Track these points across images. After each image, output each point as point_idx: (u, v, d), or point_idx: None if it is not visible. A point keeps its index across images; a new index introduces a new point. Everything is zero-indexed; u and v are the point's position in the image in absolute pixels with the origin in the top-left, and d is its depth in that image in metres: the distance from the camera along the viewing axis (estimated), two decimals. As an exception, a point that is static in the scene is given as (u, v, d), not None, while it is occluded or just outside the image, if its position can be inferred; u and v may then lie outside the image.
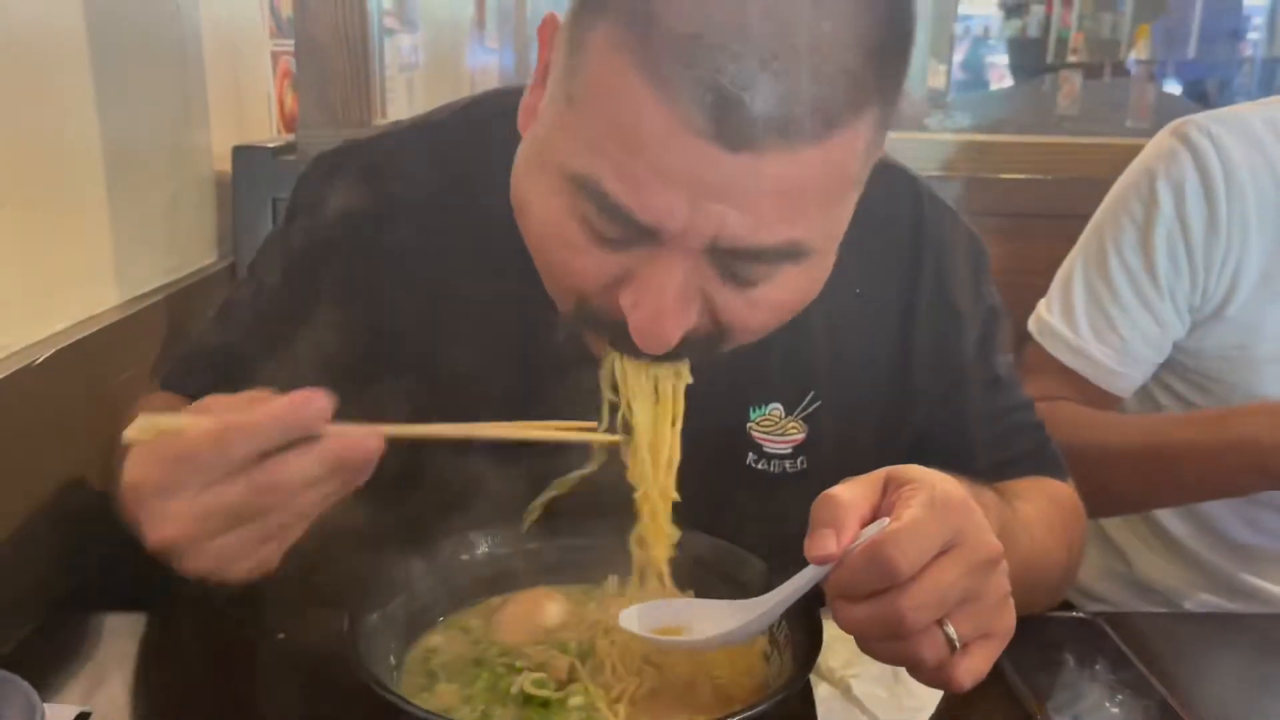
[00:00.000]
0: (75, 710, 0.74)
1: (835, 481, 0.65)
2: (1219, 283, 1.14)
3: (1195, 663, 0.86)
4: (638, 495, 0.73)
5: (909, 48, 0.65)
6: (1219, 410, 1.13)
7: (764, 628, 0.68)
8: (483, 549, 0.81)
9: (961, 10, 6.87)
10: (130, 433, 0.61)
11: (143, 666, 0.84)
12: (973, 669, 0.61)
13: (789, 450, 0.89)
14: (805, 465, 0.89)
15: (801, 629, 0.70)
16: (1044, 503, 0.91)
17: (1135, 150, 1.24)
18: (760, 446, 0.88)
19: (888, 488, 0.63)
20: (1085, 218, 1.27)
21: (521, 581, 0.81)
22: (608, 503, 0.74)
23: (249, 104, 1.53)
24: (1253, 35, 6.47)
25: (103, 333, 1.06)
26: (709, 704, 0.70)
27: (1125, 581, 1.32)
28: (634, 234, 0.64)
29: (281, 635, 0.84)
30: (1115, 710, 0.76)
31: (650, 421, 0.72)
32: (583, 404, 0.72)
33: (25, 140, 0.98)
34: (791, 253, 0.65)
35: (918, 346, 0.91)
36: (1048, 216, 1.56)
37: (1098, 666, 0.81)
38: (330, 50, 1.45)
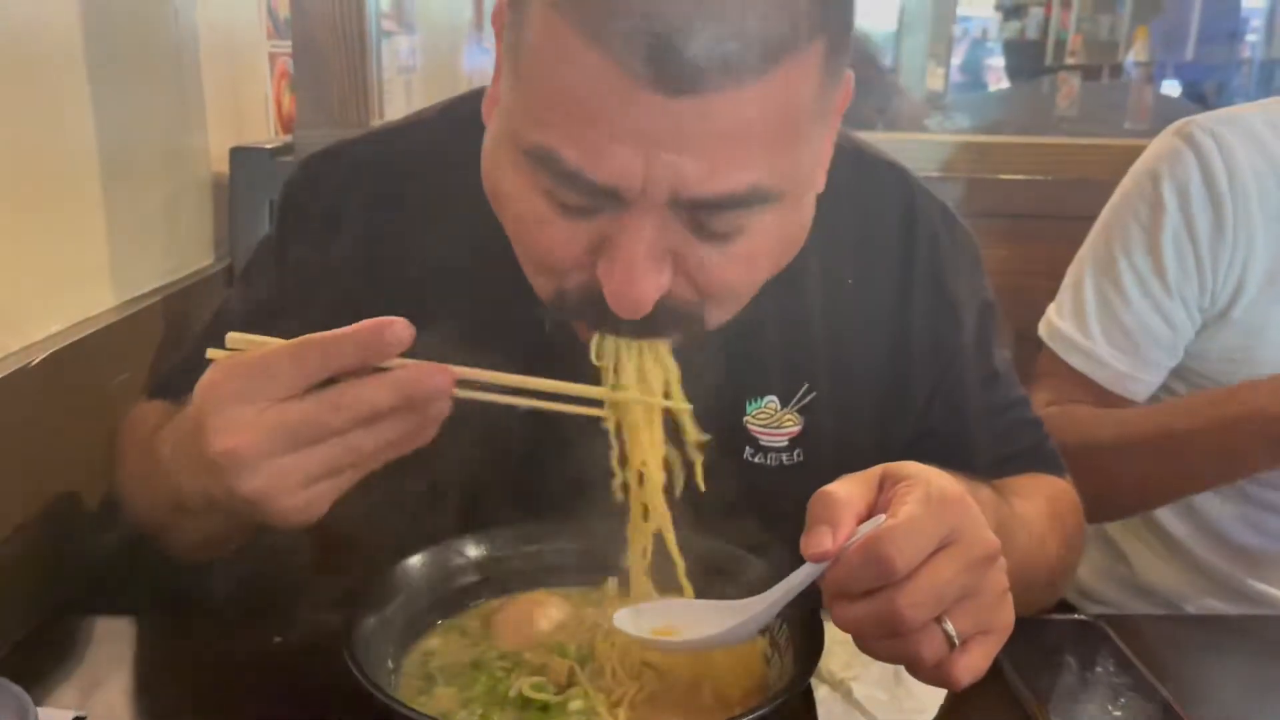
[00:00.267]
0: (70, 715, 0.73)
1: (832, 473, 0.64)
2: (1225, 284, 1.14)
3: (1198, 666, 0.85)
4: (629, 472, 0.72)
5: None
6: (1229, 387, 1.12)
7: (759, 627, 0.68)
8: (481, 551, 0.81)
9: (960, 12, 6.88)
10: (214, 352, 0.64)
11: (138, 671, 0.83)
12: (972, 666, 0.61)
13: (785, 443, 0.89)
14: (801, 458, 0.89)
15: (803, 631, 0.70)
16: (1042, 500, 0.91)
17: (1134, 151, 1.24)
18: (756, 440, 0.88)
19: (884, 484, 0.63)
20: (1084, 219, 1.27)
21: (520, 584, 0.81)
22: (608, 505, 0.74)
23: (246, 105, 1.53)
24: (1251, 37, 6.49)
25: (99, 334, 1.06)
26: (709, 707, 0.69)
27: (1126, 584, 1.32)
28: (596, 198, 0.64)
29: (278, 639, 0.83)
30: (1118, 714, 0.75)
31: (639, 395, 0.71)
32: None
33: (22, 142, 0.98)
34: (754, 198, 0.65)
35: (913, 339, 0.91)
36: (1047, 217, 1.56)
37: (1099, 669, 0.80)
38: (328, 52, 1.45)
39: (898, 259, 0.90)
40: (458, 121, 0.79)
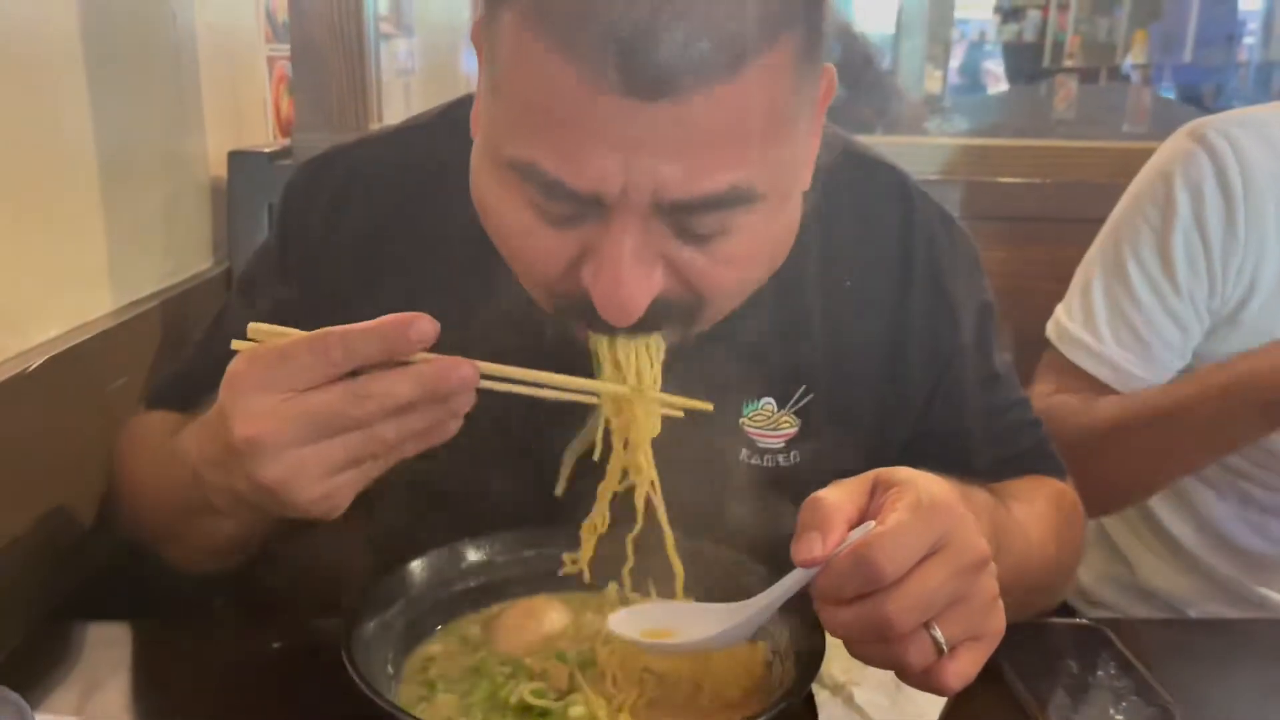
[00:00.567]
0: (68, 721, 0.73)
1: (829, 475, 0.65)
2: (1235, 287, 1.14)
3: (1200, 670, 0.85)
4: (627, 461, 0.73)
5: None
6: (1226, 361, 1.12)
7: (753, 630, 0.68)
8: (481, 556, 0.81)
9: (958, 15, 6.90)
10: (239, 344, 0.64)
11: (136, 677, 0.83)
12: (961, 672, 0.61)
13: (782, 444, 0.89)
14: (798, 459, 0.89)
15: (804, 636, 0.70)
16: (1042, 503, 0.91)
17: (1132, 154, 1.24)
18: (753, 441, 0.88)
19: (876, 490, 0.63)
20: (1083, 221, 1.26)
21: (520, 589, 0.81)
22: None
23: (245, 109, 1.53)
24: (1248, 39, 6.50)
25: (97, 339, 1.05)
26: (711, 712, 0.69)
27: (1128, 586, 1.32)
28: (580, 207, 0.65)
29: (277, 644, 0.83)
30: (1119, 718, 0.75)
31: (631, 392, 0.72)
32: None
33: (20, 145, 0.97)
34: (736, 198, 0.65)
35: (910, 340, 0.91)
36: (1045, 220, 1.56)
37: (1101, 673, 0.80)
38: (326, 55, 1.44)
39: (896, 262, 0.90)
40: (457, 124, 0.80)
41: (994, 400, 0.95)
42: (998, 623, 0.63)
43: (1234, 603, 1.24)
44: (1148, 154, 1.23)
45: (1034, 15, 6.90)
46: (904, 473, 0.63)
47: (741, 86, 0.61)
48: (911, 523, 0.59)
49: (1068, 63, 6.36)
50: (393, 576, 0.76)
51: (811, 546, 0.60)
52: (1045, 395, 1.19)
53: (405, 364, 0.62)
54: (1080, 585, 1.35)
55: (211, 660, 0.83)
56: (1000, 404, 0.96)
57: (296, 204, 0.93)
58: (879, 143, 1.16)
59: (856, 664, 0.65)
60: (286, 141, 1.52)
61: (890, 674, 0.63)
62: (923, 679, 0.61)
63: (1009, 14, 7.15)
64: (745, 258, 0.69)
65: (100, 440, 0.97)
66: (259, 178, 1.38)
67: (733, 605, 0.68)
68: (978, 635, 0.62)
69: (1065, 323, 1.21)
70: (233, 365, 0.63)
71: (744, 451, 0.88)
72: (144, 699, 0.80)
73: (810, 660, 0.67)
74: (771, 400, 0.88)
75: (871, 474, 0.64)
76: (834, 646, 0.66)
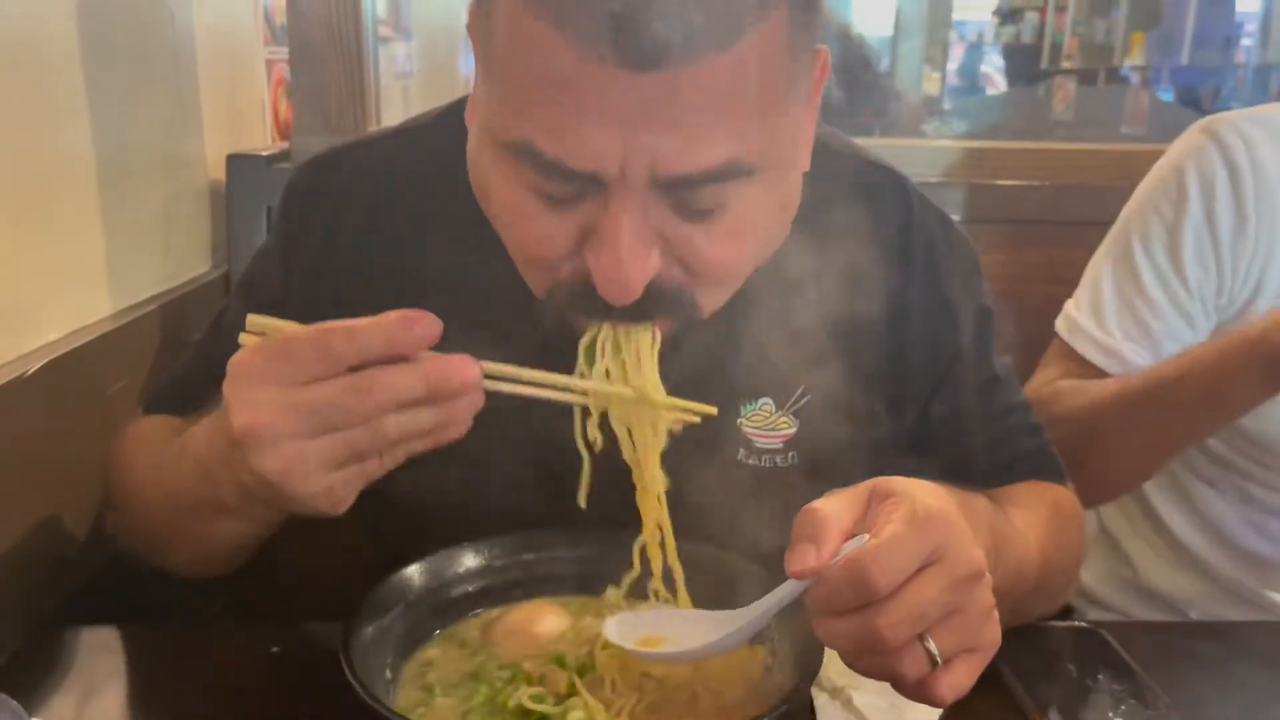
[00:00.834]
0: (65, 726, 0.73)
1: (826, 476, 0.65)
2: (1244, 284, 1.13)
3: (1199, 673, 0.85)
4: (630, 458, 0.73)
5: None
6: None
7: (746, 638, 0.67)
8: (479, 560, 0.81)
9: (956, 17, 6.91)
10: (247, 336, 0.64)
11: (133, 682, 0.83)
12: (955, 684, 0.61)
13: (779, 445, 0.89)
14: (796, 460, 0.89)
15: (802, 641, 0.69)
16: (1042, 509, 0.91)
17: (1131, 156, 1.24)
18: (751, 442, 0.88)
19: (873, 500, 0.63)
20: (1082, 223, 1.26)
21: (519, 594, 0.81)
22: (607, 514, 0.74)
23: (243, 112, 1.52)
24: (1246, 41, 6.51)
25: (96, 342, 1.05)
26: (709, 717, 0.69)
27: (1130, 587, 1.32)
28: (578, 185, 0.65)
29: (275, 649, 0.83)
30: (1119, 721, 0.75)
31: (634, 380, 0.72)
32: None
33: (18, 148, 0.97)
34: (732, 171, 0.65)
35: (909, 342, 0.91)
36: (1044, 222, 1.56)
37: (1100, 676, 0.80)
38: (325, 58, 1.44)
39: (895, 265, 0.90)
40: (455, 126, 0.80)
41: (993, 403, 0.95)
42: (993, 635, 0.63)
43: (1237, 604, 1.23)
44: (1146, 156, 1.23)
45: (1032, 17, 6.91)
46: (901, 483, 0.62)
47: (737, 57, 0.62)
48: (906, 535, 0.58)
49: (1066, 65, 6.36)
50: (391, 581, 0.76)
51: (805, 558, 0.60)
52: (1049, 381, 1.18)
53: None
54: (1082, 585, 1.35)
55: (209, 665, 0.83)
56: (1000, 407, 0.96)
57: (296, 205, 0.93)
58: (877, 145, 1.16)
59: (855, 667, 0.65)
60: (285, 145, 1.51)
61: (888, 679, 0.63)
62: (917, 691, 0.61)
63: (1007, 16, 7.16)
64: (742, 233, 0.70)
65: (99, 443, 0.96)
66: (258, 181, 1.38)
67: (727, 613, 0.68)
68: (972, 647, 0.62)
69: (1073, 314, 1.21)
70: (236, 356, 0.64)
71: (741, 452, 0.88)
72: (141, 704, 0.80)
73: (809, 664, 0.67)
74: (770, 401, 0.88)
75: (869, 484, 0.64)
76: (832, 650, 0.66)
